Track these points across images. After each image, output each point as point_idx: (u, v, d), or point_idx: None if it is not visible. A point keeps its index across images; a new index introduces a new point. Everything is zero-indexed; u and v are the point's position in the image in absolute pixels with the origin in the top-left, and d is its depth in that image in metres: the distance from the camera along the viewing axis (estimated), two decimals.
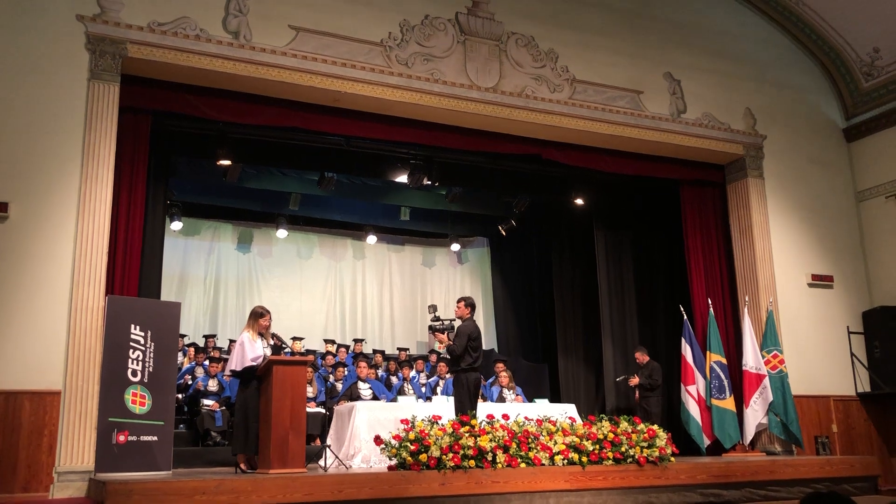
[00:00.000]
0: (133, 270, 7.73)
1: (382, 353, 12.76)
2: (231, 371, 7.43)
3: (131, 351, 7.08)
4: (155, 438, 7.06)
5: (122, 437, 6.87)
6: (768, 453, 9.76)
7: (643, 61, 10.23)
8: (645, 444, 7.63)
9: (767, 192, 10.68)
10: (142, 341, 7.14)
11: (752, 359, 9.96)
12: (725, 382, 9.98)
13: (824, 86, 11.65)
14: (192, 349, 11.17)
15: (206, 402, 9.92)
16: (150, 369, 7.16)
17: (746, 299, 10.33)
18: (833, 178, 11.30)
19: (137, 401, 7.05)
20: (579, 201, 11.45)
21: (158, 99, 8.07)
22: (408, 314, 14.73)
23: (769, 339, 10.04)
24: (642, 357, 10.58)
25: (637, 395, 10.44)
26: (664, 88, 10.28)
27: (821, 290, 10.73)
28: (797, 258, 10.69)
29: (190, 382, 10.42)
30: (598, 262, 11.89)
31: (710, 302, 10.38)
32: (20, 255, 6.84)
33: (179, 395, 9.86)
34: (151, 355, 7.18)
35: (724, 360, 10.09)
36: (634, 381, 10.35)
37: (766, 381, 9.83)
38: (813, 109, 11.47)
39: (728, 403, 9.93)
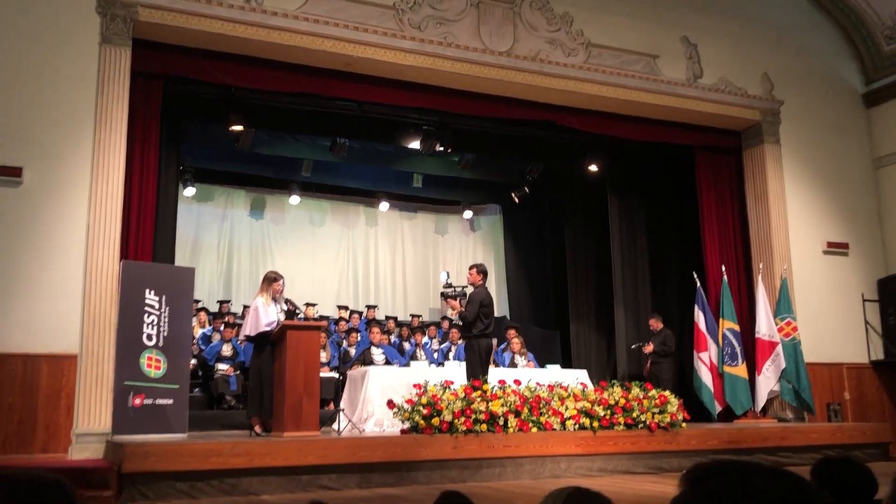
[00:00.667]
0: (147, 236, 7.76)
1: (395, 319, 12.83)
2: (245, 336, 7.49)
3: (146, 315, 7.14)
4: (170, 402, 7.14)
5: (137, 401, 6.96)
6: (780, 420, 9.78)
7: (660, 25, 10.07)
8: (656, 410, 7.67)
9: (784, 159, 10.56)
10: (156, 306, 7.19)
11: (765, 326, 9.93)
12: (738, 349, 9.97)
13: (844, 50, 11.44)
14: (202, 314, 11.24)
15: (221, 366, 10.02)
16: (165, 333, 7.22)
17: (760, 266, 10.28)
18: (851, 143, 11.16)
19: (153, 364, 7.12)
20: (593, 168, 11.36)
21: (170, 63, 8.03)
22: (420, 281, 14.77)
23: (783, 307, 10.00)
24: (656, 324, 10.59)
25: (649, 362, 10.46)
26: (681, 53, 10.14)
27: (836, 258, 10.65)
28: (813, 225, 10.60)
29: (203, 348, 10.50)
30: (611, 229, 11.83)
31: (723, 269, 10.33)
32: (35, 219, 6.88)
33: (194, 360, 9.96)
34: (166, 320, 7.23)
35: (736, 328, 10.07)
36: (649, 348, 10.37)
37: (779, 348, 9.82)
38: (832, 74, 11.28)
39: (740, 370, 9.94)
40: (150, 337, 7.14)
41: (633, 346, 11.02)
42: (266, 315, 7.26)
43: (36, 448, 6.58)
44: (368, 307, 13.16)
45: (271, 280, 7.51)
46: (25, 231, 6.84)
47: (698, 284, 10.40)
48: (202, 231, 13.20)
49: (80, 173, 7.10)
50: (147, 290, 7.17)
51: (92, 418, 6.74)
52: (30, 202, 6.89)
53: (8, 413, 6.55)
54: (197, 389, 10.00)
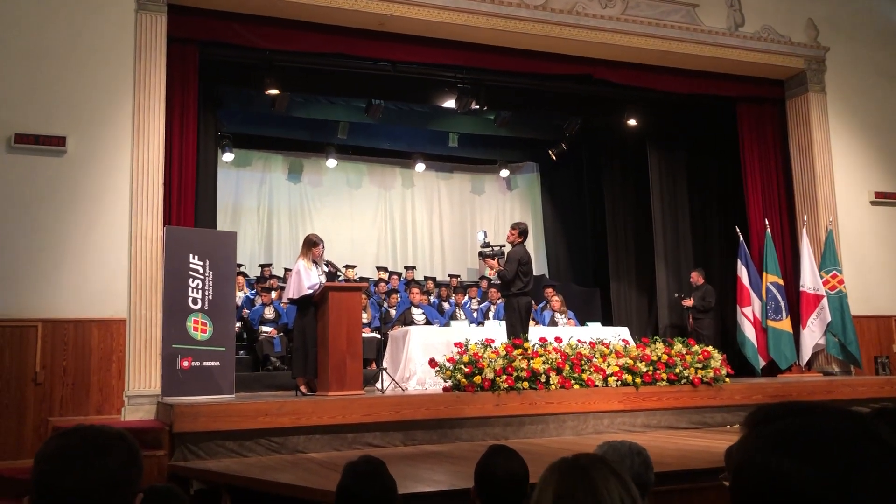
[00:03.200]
0: (189, 201, 7.87)
1: (433, 279, 12.88)
2: (289, 299, 7.59)
3: (191, 280, 7.25)
4: (217, 364, 7.28)
5: (185, 363, 7.11)
6: (825, 374, 9.66)
7: None
8: (699, 366, 7.63)
9: (829, 108, 10.26)
10: (200, 270, 7.30)
11: (809, 279, 9.76)
12: (782, 304, 9.83)
13: None
14: (240, 278, 11.35)
15: (265, 328, 10.18)
16: (210, 297, 7.33)
17: (805, 219, 10.07)
18: None
19: (199, 328, 7.25)
20: (632, 122, 11.15)
21: (205, 28, 8.03)
22: (457, 241, 14.78)
23: (828, 259, 9.81)
24: (697, 278, 10.49)
25: (690, 317, 10.37)
26: (721, 1, 9.85)
27: (884, 208, 10.37)
28: (860, 175, 10.32)
29: (247, 313, 10.66)
30: (651, 184, 11.67)
31: (766, 222, 10.15)
32: (80, 187, 7.01)
33: (239, 323, 10.13)
34: (210, 284, 7.34)
35: (780, 281, 9.91)
36: (688, 302, 10.28)
37: (825, 301, 9.65)
38: (880, 18, 10.86)
39: (784, 325, 9.81)
40: (195, 301, 7.26)
41: (675, 295, 10.92)
42: (308, 278, 7.34)
43: (91, 409, 6.78)
44: (407, 268, 13.23)
45: (312, 243, 7.57)
46: (71, 200, 6.97)
47: (741, 238, 10.24)
48: (241, 196, 13.34)
49: (121, 141, 7.19)
50: (191, 255, 7.27)
51: (142, 380, 6.93)
52: (74, 171, 7.01)
53: (62, 376, 6.75)
54: (242, 352, 10.19)
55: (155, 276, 7.10)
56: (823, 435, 0.88)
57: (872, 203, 10.30)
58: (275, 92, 9.80)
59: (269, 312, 10.53)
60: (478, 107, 10.65)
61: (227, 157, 12.43)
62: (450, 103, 10.73)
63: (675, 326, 11.18)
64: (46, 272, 6.79)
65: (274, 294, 10.80)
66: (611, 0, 9.25)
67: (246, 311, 10.70)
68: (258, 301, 10.82)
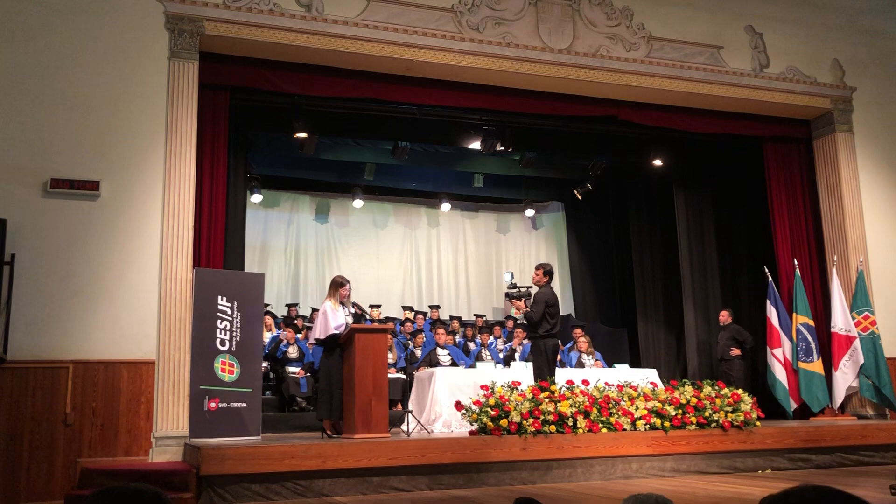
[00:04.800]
0: (218, 243, 7.98)
1: (459, 319, 12.86)
2: (315, 340, 7.62)
3: (219, 321, 7.32)
4: (244, 405, 7.31)
5: (213, 404, 7.14)
6: (859, 417, 9.46)
7: (723, 14, 9.85)
8: (729, 409, 7.51)
9: (857, 147, 10.21)
10: (229, 312, 7.37)
11: (841, 320, 9.62)
12: (813, 345, 9.69)
13: None
14: (267, 318, 11.42)
15: (291, 369, 10.22)
16: (238, 338, 7.39)
17: (835, 259, 9.96)
18: None
19: (226, 369, 7.30)
20: (657, 162, 11.17)
21: (235, 75, 8.23)
22: (483, 280, 14.79)
23: (859, 300, 9.67)
24: (727, 318, 10.42)
25: (735, 350, 10.18)
26: (745, 42, 9.90)
27: None
28: (890, 214, 10.21)
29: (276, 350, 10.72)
30: (678, 224, 11.62)
31: (795, 262, 10.05)
32: (112, 231, 7.14)
33: (265, 364, 10.18)
34: (238, 325, 7.40)
35: (811, 322, 9.78)
36: (736, 351, 10.14)
37: (857, 342, 9.50)
38: None
39: (816, 366, 9.65)
40: (223, 342, 7.32)
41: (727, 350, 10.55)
42: (335, 318, 7.38)
43: (119, 451, 6.83)
44: (432, 307, 13.23)
45: (338, 284, 7.63)
46: (104, 242, 7.10)
47: (770, 279, 10.14)
48: (269, 236, 13.50)
49: (153, 184, 7.34)
50: (219, 297, 7.35)
51: (170, 422, 6.97)
52: (107, 214, 7.15)
53: (91, 417, 6.82)
54: (268, 392, 10.22)
55: (184, 318, 7.18)
56: None
57: None
58: (303, 135, 9.97)
59: (292, 351, 10.55)
60: (503, 148, 10.74)
61: (256, 198, 12.62)
62: (475, 145, 10.83)
63: (704, 369, 11.02)
64: (78, 314, 6.90)
65: (300, 334, 10.85)
66: (635, 43, 9.33)
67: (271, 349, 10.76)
68: (283, 339, 10.87)
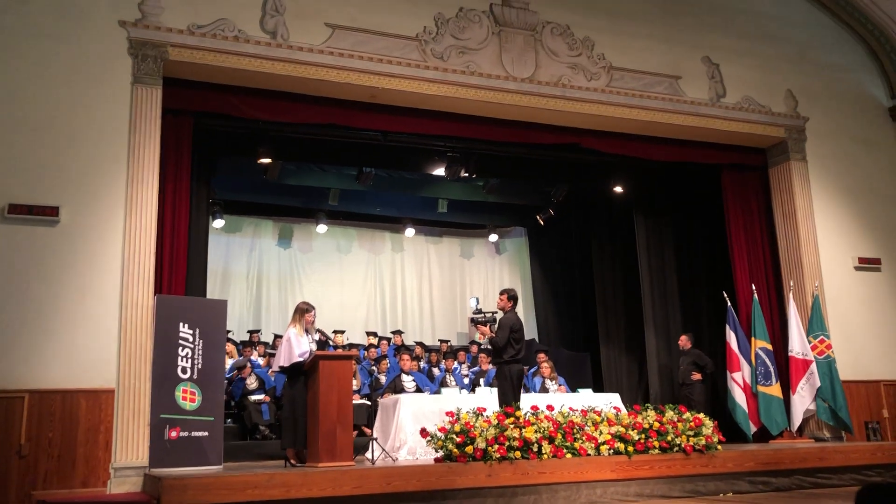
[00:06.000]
0: (180, 269, 7.89)
1: (422, 344, 12.85)
2: (279, 367, 7.55)
3: (180, 349, 7.22)
4: (206, 434, 7.21)
5: (174, 433, 7.03)
6: (817, 440, 9.64)
7: (680, 46, 10.11)
8: (691, 433, 7.60)
9: (811, 175, 10.50)
10: (190, 339, 7.28)
11: (798, 344, 9.82)
12: (771, 369, 9.87)
13: (868, 65, 11.39)
14: (230, 345, 11.27)
15: (253, 396, 10.08)
16: (199, 366, 7.30)
17: (791, 284, 10.19)
18: (879, 158, 11.05)
19: (188, 397, 7.19)
20: (618, 189, 11.36)
21: (199, 100, 8.19)
22: (447, 305, 14.81)
23: (815, 325, 9.89)
24: (686, 342, 10.55)
25: (695, 375, 10.31)
26: (703, 73, 10.16)
27: (868, 273, 10.52)
28: (843, 241, 10.50)
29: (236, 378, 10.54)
30: (638, 250, 11.80)
31: (753, 288, 10.25)
32: (72, 257, 7.02)
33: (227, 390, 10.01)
34: (200, 352, 7.32)
35: (769, 347, 9.97)
36: (697, 376, 10.28)
37: (813, 366, 9.70)
38: (856, 89, 11.22)
39: (774, 390, 9.82)
40: (184, 370, 7.22)
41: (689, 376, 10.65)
42: (299, 346, 7.32)
43: (76, 482, 6.66)
44: (395, 332, 13.20)
45: (303, 311, 7.58)
46: (63, 269, 6.98)
47: (728, 304, 10.33)
48: (231, 261, 13.37)
49: (114, 210, 7.24)
50: (181, 324, 7.26)
51: (129, 452, 6.83)
52: (66, 240, 7.03)
53: (48, 448, 6.65)
54: (229, 420, 10.05)
55: (145, 345, 7.07)
56: None
57: (856, 268, 10.45)
58: (267, 161, 9.95)
59: (251, 382, 10.34)
60: (467, 174, 10.84)
61: (218, 223, 12.51)
62: (439, 171, 10.91)
63: (665, 393, 11.14)
64: (36, 342, 6.75)
65: (262, 361, 10.71)
66: (595, 73, 9.52)
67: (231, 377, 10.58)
68: (236, 374, 10.63)
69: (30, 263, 6.87)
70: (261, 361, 11.05)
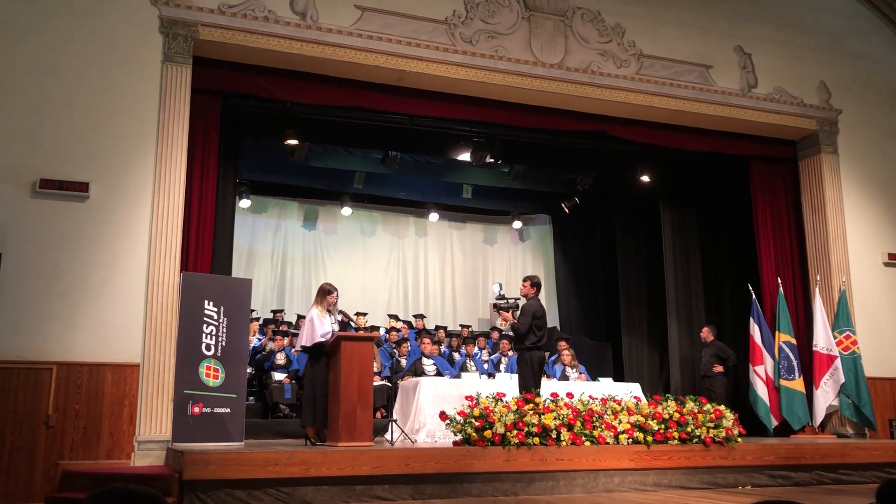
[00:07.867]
0: (206, 247, 7.97)
1: (444, 328, 12.88)
2: (301, 347, 7.62)
3: (205, 326, 7.30)
4: (228, 410, 7.29)
5: (196, 409, 7.12)
6: (839, 436, 9.55)
7: (713, 35, 9.98)
8: (711, 425, 7.57)
9: (842, 168, 10.35)
10: (215, 316, 7.36)
11: (822, 339, 9.73)
12: (795, 363, 9.78)
13: None
14: (254, 324, 11.39)
15: (276, 375, 10.19)
16: (223, 343, 7.37)
17: (818, 278, 10.07)
18: None
19: (211, 374, 7.28)
20: (645, 178, 11.27)
21: (228, 80, 8.24)
22: (469, 291, 14.82)
23: (841, 320, 9.78)
24: (708, 335, 10.48)
25: (717, 367, 10.24)
26: (734, 62, 10.02)
27: None
28: (872, 236, 10.35)
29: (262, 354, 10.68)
30: (663, 240, 11.72)
31: (779, 281, 10.15)
32: (100, 233, 7.12)
33: (250, 370, 10.14)
34: (224, 330, 7.39)
35: (793, 341, 9.88)
36: (718, 368, 10.21)
37: (838, 361, 9.60)
38: (891, 81, 11.01)
39: (797, 384, 9.74)
40: (208, 347, 7.30)
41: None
42: (321, 326, 7.38)
43: (101, 454, 6.79)
44: (416, 316, 13.25)
45: (326, 292, 7.64)
46: (91, 244, 7.08)
47: (753, 297, 10.24)
48: (256, 242, 13.48)
49: (142, 187, 7.33)
50: (206, 301, 7.34)
51: (153, 426, 6.95)
52: (95, 216, 7.13)
53: (74, 420, 6.78)
54: (252, 398, 10.18)
55: (170, 322, 7.17)
56: None
57: (886, 264, 10.30)
58: (294, 142, 9.99)
59: (280, 358, 10.54)
60: (492, 160, 10.80)
61: (244, 203, 12.60)
62: (465, 156, 10.88)
63: (686, 384, 11.09)
64: (64, 315, 6.87)
65: (286, 340, 10.82)
66: (625, 60, 9.43)
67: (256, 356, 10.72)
68: (268, 346, 10.83)
69: (59, 238, 6.98)
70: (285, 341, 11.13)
